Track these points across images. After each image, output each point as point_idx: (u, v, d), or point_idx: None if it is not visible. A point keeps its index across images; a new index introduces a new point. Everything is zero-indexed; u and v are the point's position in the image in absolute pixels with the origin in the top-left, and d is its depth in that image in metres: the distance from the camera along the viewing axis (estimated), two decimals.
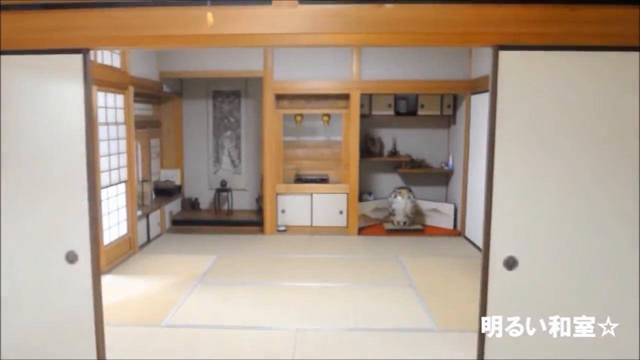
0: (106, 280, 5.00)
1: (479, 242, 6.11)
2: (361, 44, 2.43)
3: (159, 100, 7.65)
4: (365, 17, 2.38)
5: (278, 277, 5.10)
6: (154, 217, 6.71)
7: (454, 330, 3.80)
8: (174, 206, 7.50)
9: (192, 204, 7.87)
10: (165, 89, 7.17)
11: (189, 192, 7.96)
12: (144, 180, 6.77)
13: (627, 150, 2.37)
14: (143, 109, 7.12)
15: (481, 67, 6.23)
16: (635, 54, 2.35)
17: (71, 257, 2.53)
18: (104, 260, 5.22)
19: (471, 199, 6.56)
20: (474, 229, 6.40)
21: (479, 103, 6.24)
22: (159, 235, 6.82)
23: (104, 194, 5.27)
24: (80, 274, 2.57)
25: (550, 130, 2.40)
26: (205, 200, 7.93)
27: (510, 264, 2.52)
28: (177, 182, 7.78)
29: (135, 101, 6.61)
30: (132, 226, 5.93)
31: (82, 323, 2.64)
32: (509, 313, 2.55)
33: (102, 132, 5.19)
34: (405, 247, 6.24)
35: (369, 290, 4.71)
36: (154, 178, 7.53)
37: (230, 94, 7.78)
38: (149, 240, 6.50)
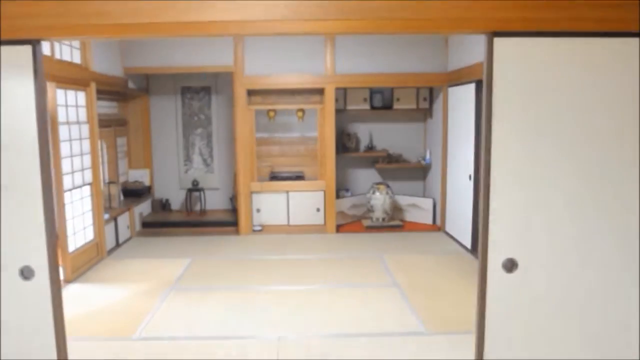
0: (72, 289, 4.69)
1: (460, 237, 6.01)
2: (345, 31, 2.22)
3: (125, 98, 7.29)
4: (349, 1, 2.17)
5: (256, 280, 4.87)
6: (123, 220, 6.39)
7: (443, 333, 3.65)
8: (143, 208, 7.19)
9: (163, 205, 7.56)
10: (131, 85, 6.84)
11: (159, 192, 7.64)
12: (110, 182, 6.44)
13: (630, 142, 2.24)
14: (108, 107, 6.78)
15: (459, 58, 6.11)
16: (635, 39, 2.21)
17: (27, 273, 2.26)
18: (70, 268, 4.91)
19: (450, 194, 6.45)
20: (454, 224, 6.29)
21: (457, 95, 6.12)
22: (129, 239, 6.51)
23: (67, 197, 4.95)
24: (37, 290, 2.30)
25: (550, 122, 2.25)
26: (177, 200, 7.63)
27: (510, 266, 2.36)
28: (147, 182, 7.45)
29: (99, 99, 6.27)
30: (99, 231, 5.61)
31: (42, 342, 2.37)
32: (508, 318, 2.39)
33: (63, 132, 4.86)
34: (385, 244, 6.09)
35: (352, 291, 4.53)
36: (121, 179, 7.20)
37: (200, 90, 7.49)
38: (118, 245, 6.19)
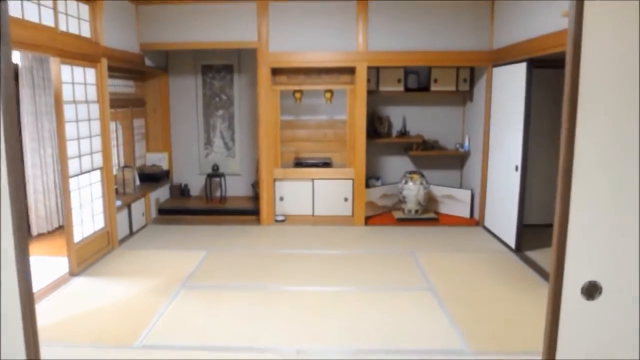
0: (76, 284, 4.31)
1: (502, 234, 5.43)
2: None
3: (143, 76, 6.88)
4: None
5: (275, 279, 4.41)
6: (138, 206, 6.00)
7: (489, 353, 3.12)
8: (161, 193, 6.80)
9: (182, 191, 7.16)
10: (149, 63, 6.40)
11: (177, 177, 7.24)
12: (125, 166, 6.06)
13: None
14: (124, 86, 6.38)
15: (507, 34, 5.46)
16: None
17: None
18: (75, 260, 4.53)
19: (491, 185, 5.85)
20: (496, 220, 5.70)
21: (503, 76, 5.48)
22: (143, 227, 6.13)
23: (73, 183, 4.56)
24: (4, 312, 1.86)
25: None
26: (196, 186, 7.22)
27: (591, 291, 1.82)
28: (165, 166, 7.06)
29: (113, 77, 5.88)
30: (110, 219, 5.23)
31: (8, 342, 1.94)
32: (586, 353, 1.86)
33: (68, 111, 4.45)
34: (418, 240, 5.55)
35: (382, 296, 4.02)
36: (138, 163, 6.82)
37: (222, 69, 7.01)
38: (131, 233, 5.81)
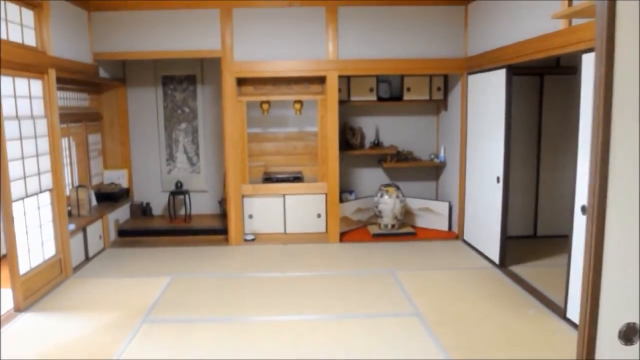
0: (22, 321, 3.83)
1: (484, 248, 5.20)
2: None
3: (98, 89, 6.42)
4: None
5: (246, 308, 4.03)
6: (94, 229, 5.52)
7: None
8: (120, 214, 6.32)
9: (143, 210, 6.70)
10: (104, 74, 5.95)
11: (138, 196, 6.77)
12: (79, 186, 5.57)
13: None
14: (77, 99, 5.92)
15: (482, 41, 5.26)
16: None
17: None
18: (21, 293, 4.05)
19: (470, 197, 5.62)
20: (476, 233, 5.47)
21: (480, 84, 5.28)
22: (101, 251, 5.64)
23: (17, 208, 4.08)
24: None
25: None
26: (159, 204, 6.76)
27: (630, 335, 1.53)
28: (124, 184, 6.59)
29: (64, 89, 5.44)
30: (62, 245, 4.75)
31: None
32: None
33: (10, 129, 3.98)
34: (397, 257, 5.26)
35: (364, 323, 3.69)
36: (95, 181, 6.34)
37: (184, 80, 6.61)
38: (87, 259, 5.33)
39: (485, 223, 5.19)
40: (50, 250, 4.60)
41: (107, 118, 6.56)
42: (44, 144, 4.51)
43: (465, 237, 5.78)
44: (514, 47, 4.46)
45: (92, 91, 6.28)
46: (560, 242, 5.15)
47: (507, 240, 4.90)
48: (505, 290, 4.31)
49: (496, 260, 4.94)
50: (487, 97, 5.06)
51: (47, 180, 4.56)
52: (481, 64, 5.21)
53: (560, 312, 3.74)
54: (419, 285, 4.43)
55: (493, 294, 4.21)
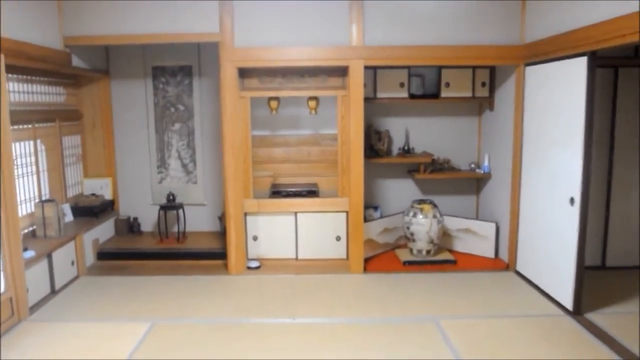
0: None
1: (549, 287, 4.11)
2: None
3: (76, 82, 5.41)
4: None
5: None
6: (64, 254, 4.50)
7: None
8: (102, 231, 5.31)
9: (130, 227, 5.68)
10: (80, 63, 4.93)
11: (125, 209, 5.75)
12: (46, 200, 4.56)
13: None
14: (48, 94, 4.91)
15: (544, 24, 4.15)
16: None
17: None
18: None
19: (527, 218, 4.52)
20: (534, 264, 4.37)
21: (545, 77, 4.17)
22: (73, 280, 4.63)
23: None
24: None
25: None
26: (149, 219, 5.74)
27: None
28: (108, 195, 5.57)
29: (30, 81, 4.49)
30: (13, 279, 3.73)
31: None
32: None
33: None
34: (437, 295, 4.18)
35: None
36: (73, 192, 5.35)
37: (178, 71, 5.57)
38: (54, 292, 4.32)
39: (549, 254, 4.09)
40: None
41: (88, 117, 5.55)
42: None
43: (519, 268, 4.68)
44: (602, 26, 3.35)
45: (68, 84, 5.27)
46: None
47: (583, 279, 3.79)
48: (589, 352, 3.21)
49: (568, 304, 3.83)
50: (557, 93, 3.95)
51: None
52: (547, 51, 4.09)
53: None
54: (472, 341, 3.34)
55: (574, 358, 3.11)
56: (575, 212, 3.72)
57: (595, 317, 3.71)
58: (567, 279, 3.83)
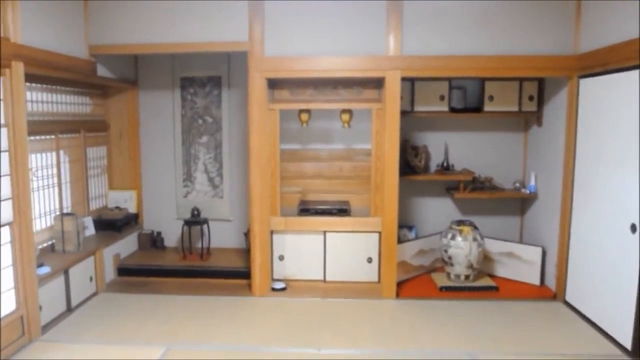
0: None
1: (601, 320, 3.71)
2: None
3: (104, 92, 5.29)
4: None
5: None
6: (82, 270, 4.32)
7: None
8: (123, 246, 5.13)
9: (154, 241, 5.49)
10: (106, 73, 4.79)
11: (149, 223, 5.58)
12: (66, 214, 4.40)
13: None
14: (74, 104, 4.80)
15: (604, 32, 3.77)
16: None
17: None
18: None
19: (579, 244, 4.10)
20: (585, 294, 3.95)
21: (600, 91, 3.79)
22: (91, 297, 4.44)
23: None
24: None
25: None
26: (173, 234, 5.54)
27: None
28: (132, 209, 5.41)
29: (55, 91, 4.37)
30: (26, 296, 3.55)
31: None
32: None
33: None
34: (477, 327, 3.79)
35: None
36: (97, 204, 5.20)
37: (207, 82, 5.38)
38: (70, 310, 4.13)
39: (605, 286, 3.67)
40: (9, 305, 3.41)
41: (114, 128, 5.42)
42: (2, 163, 3.33)
43: (569, 299, 4.25)
44: None
45: (95, 95, 5.15)
46: None
47: None
48: None
49: (627, 343, 3.40)
50: (617, 108, 3.56)
51: (6, 210, 3.37)
52: (606, 61, 3.70)
53: None
54: None
55: None
56: (636, 240, 3.30)
57: None
58: (626, 315, 3.40)
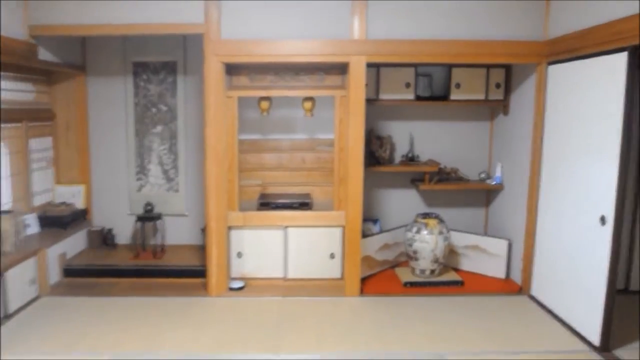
0: None
1: (567, 315, 3.62)
2: None
3: (49, 78, 4.91)
4: None
5: None
6: (21, 272, 3.96)
7: None
8: (71, 244, 4.77)
9: (104, 239, 5.15)
10: (50, 57, 4.41)
11: (99, 219, 5.23)
12: (2, 212, 4.03)
13: None
14: (13, 91, 4.40)
15: (576, 16, 3.64)
16: None
17: None
18: None
19: (545, 236, 4.00)
20: (550, 288, 3.87)
21: (569, 77, 3.67)
22: (32, 302, 4.08)
23: None
24: None
25: None
26: (126, 231, 5.21)
27: None
28: (80, 204, 5.05)
29: None
30: None
31: None
32: None
33: None
34: (444, 324, 3.65)
35: None
36: (42, 200, 4.83)
37: (161, 68, 5.06)
38: (7, 316, 3.77)
39: (573, 280, 3.57)
40: None
41: (61, 117, 5.05)
42: None
43: (534, 293, 4.15)
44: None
45: (39, 81, 4.77)
46: None
47: (613, 310, 3.26)
48: None
49: (594, 338, 3.30)
50: (587, 96, 3.44)
51: None
52: (576, 47, 3.57)
53: None
54: None
55: None
56: (606, 233, 3.20)
57: (625, 354, 3.20)
58: (593, 310, 3.30)
